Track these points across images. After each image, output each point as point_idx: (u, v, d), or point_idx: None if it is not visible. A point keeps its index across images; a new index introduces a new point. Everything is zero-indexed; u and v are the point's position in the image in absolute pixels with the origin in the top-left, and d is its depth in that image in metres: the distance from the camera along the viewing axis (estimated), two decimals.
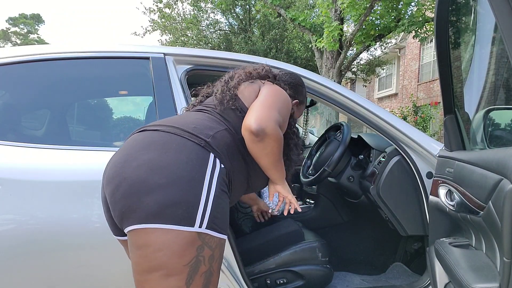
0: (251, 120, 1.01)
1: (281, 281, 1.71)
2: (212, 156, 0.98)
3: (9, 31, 29.29)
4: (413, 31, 8.07)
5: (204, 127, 1.03)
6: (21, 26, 29.73)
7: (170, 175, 0.90)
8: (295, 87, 1.39)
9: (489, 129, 1.42)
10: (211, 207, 0.92)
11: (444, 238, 1.48)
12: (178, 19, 13.59)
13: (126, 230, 0.93)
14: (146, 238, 0.89)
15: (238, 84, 1.21)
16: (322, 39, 8.01)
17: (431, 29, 8.00)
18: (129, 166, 0.93)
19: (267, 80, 1.26)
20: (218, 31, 14.53)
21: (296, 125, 1.37)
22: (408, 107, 12.59)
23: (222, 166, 1.00)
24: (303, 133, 3.05)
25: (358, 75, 14.70)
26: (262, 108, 1.05)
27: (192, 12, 13.78)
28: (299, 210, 1.28)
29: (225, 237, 0.98)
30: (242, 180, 1.12)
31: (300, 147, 1.29)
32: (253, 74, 1.26)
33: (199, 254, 0.91)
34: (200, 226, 0.90)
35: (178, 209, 0.88)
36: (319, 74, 5.68)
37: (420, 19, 7.85)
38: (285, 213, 1.32)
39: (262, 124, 1.00)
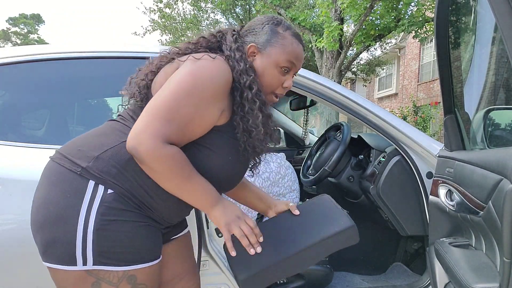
0: (129, 135, 0.83)
1: (281, 281, 1.71)
2: (91, 183, 0.85)
3: (9, 31, 29.28)
4: (413, 31, 8.07)
5: (92, 148, 0.89)
6: (21, 26, 29.72)
7: (47, 213, 0.86)
8: (252, 30, 1.02)
9: (489, 129, 1.42)
10: (92, 242, 0.82)
11: (444, 238, 1.48)
12: (178, 19, 13.59)
13: None
14: (50, 273, 0.89)
15: (155, 69, 0.98)
16: (322, 39, 8.01)
17: (431, 29, 8.00)
18: (32, 202, 0.92)
19: (191, 55, 0.94)
20: None
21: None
22: (408, 107, 12.59)
23: (111, 191, 0.85)
24: (303, 133, 3.05)
25: (358, 75, 14.70)
26: (143, 117, 0.83)
27: (192, 12, 13.78)
28: (256, 251, 0.94)
29: (136, 266, 0.87)
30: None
31: (262, 111, 0.94)
32: (181, 50, 0.99)
33: None
34: (84, 264, 0.83)
35: (57, 249, 0.84)
36: (319, 74, 5.67)
37: (420, 19, 7.85)
38: (251, 252, 0.94)
39: (136, 142, 0.81)
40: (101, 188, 0.85)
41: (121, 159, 0.87)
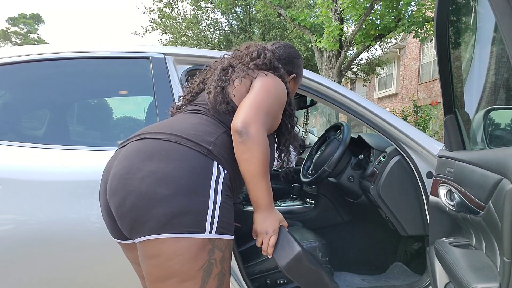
0: (237, 120, 0.99)
1: (281, 281, 1.71)
2: (215, 164, 0.98)
3: (9, 31, 29.27)
4: (413, 31, 8.07)
5: (204, 133, 1.02)
6: (21, 26, 29.71)
7: (176, 186, 0.91)
8: (291, 62, 1.31)
9: (489, 129, 1.42)
10: (218, 213, 0.94)
11: (444, 238, 1.48)
12: (178, 18, 13.59)
13: (136, 241, 0.95)
14: (157, 248, 0.90)
15: (231, 82, 1.15)
16: (322, 39, 8.01)
17: (431, 29, 8.00)
18: (134, 178, 0.92)
19: (261, 71, 1.18)
20: (218, 31, 14.53)
21: (296, 126, 1.31)
22: (409, 107, 12.59)
23: (225, 172, 1.00)
24: (303, 133, 3.05)
25: (358, 75, 14.70)
26: (249, 109, 1.01)
27: (192, 12, 13.78)
28: (267, 256, 1.08)
29: (232, 237, 1.00)
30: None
31: (293, 133, 1.25)
32: (251, 67, 1.19)
33: (210, 257, 0.93)
34: (210, 232, 0.93)
35: (187, 218, 0.90)
36: (319, 74, 5.67)
37: (420, 19, 7.84)
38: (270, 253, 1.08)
39: (246, 124, 0.98)
40: (222, 169, 1.00)
41: (226, 147, 1.03)
